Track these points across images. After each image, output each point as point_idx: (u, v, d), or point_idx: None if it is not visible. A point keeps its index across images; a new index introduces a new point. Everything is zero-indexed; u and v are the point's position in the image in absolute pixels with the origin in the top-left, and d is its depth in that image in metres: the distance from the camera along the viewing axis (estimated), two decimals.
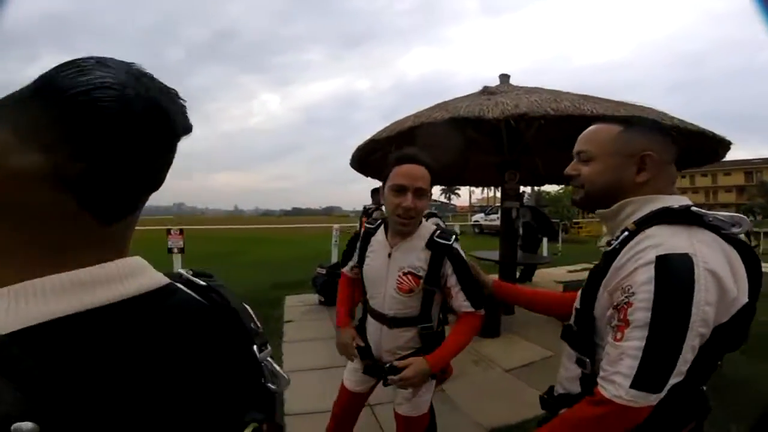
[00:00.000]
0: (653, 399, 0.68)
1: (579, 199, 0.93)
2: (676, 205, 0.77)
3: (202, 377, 0.39)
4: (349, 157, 4.75)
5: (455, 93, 4.40)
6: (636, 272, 0.71)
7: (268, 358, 0.45)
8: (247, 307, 0.48)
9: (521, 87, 3.86)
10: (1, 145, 0.33)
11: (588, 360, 0.82)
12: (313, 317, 4.28)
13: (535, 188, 13.73)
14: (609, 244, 0.83)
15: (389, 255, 1.30)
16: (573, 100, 2.71)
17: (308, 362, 3.16)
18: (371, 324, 1.37)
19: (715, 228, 0.73)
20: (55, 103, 0.33)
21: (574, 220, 18.29)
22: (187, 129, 0.41)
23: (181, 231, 6.70)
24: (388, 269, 1.29)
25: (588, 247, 12.05)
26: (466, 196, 59.55)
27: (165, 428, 0.34)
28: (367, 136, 3.93)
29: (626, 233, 0.78)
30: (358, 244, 1.46)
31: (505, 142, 4.04)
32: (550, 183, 6.84)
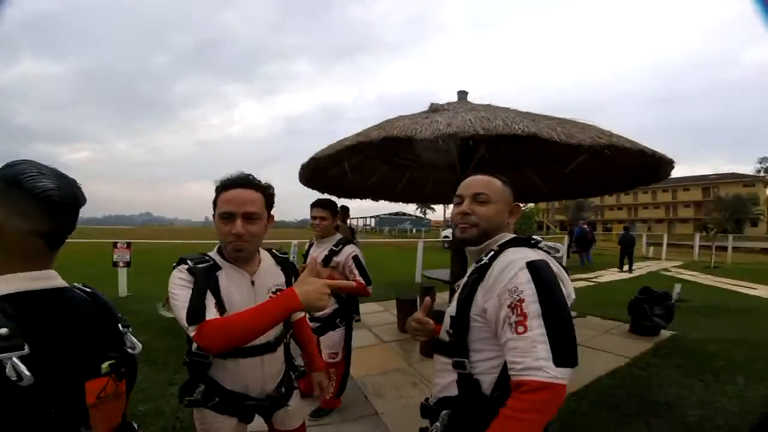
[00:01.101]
0: (571, 372, 0.82)
1: (472, 236, 1.09)
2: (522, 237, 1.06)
3: (88, 332, 0.78)
4: None
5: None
6: (516, 276, 0.90)
7: (129, 333, 0.84)
8: (114, 306, 0.87)
9: (470, 104, 3.90)
10: (4, 216, 0.69)
11: (466, 360, 0.98)
12: None
13: None
14: (477, 262, 1.05)
15: (252, 283, 1.28)
16: (508, 118, 2.72)
17: None
18: (246, 365, 1.27)
19: (546, 251, 1.01)
20: (28, 196, 0.69)
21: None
22: (84, 201, 0.79)
23: (129, 244, 6.45)
24: (255, 298, 1.25)
25: None
26: (441, 210, 60.27)
27: (69, 358, 0.72)
28: None
29: (492, 253, 1.02)
30: None
31: (457, 161, 4.08)
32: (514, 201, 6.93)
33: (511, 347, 0.86)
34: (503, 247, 1.02)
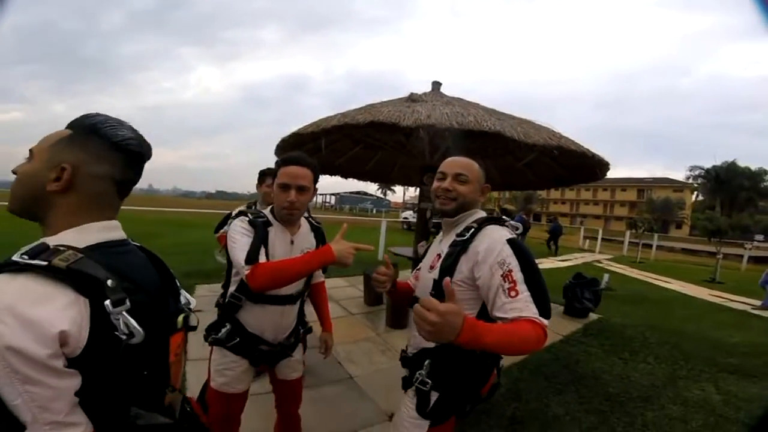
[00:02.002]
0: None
1: (451, 208, 1.29)
2: (492, 215, 1.28)
3: (164, 284, 0.80)
4: None
5: (406, 90, 4.59)
6: (502, 250, 1.10)
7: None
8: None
9: (446, 96, 4.12)
10: (82, 159, 0.69)
11: None
12: None
13: None
14: (460, 235, 1.22)
15: (291, 242, 1.53)
16: (478, 115, 2.99)
17: None
18: (269, 311, 1.51)
19: (511, 228, 1.21)
20: (109, 143, 0.71)
21: None
22: (150, 154, 0.80)
23: None
24: (291, 254, 1.49)
25: None
26: (401, 192, 60.76)
27: (159, 311, 0.74)
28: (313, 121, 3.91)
29: (473, 229, 1.19)
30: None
31: (427, 147, 4.31)
32: None
33: (508, 308, 1.04)
34: (481, 224, 1.20)
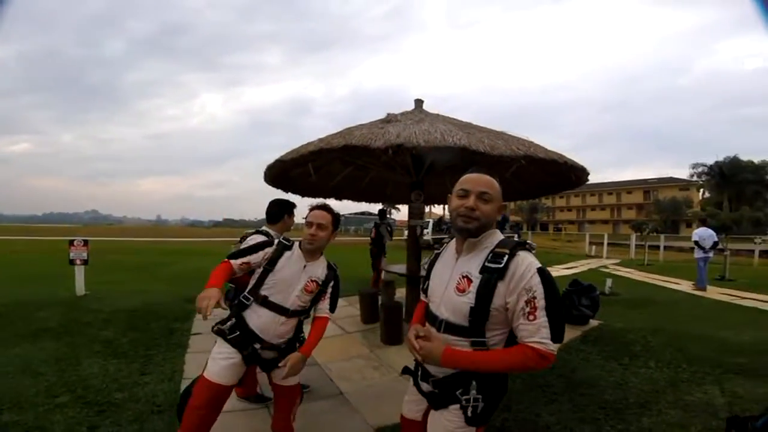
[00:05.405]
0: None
1: (474, 228, 1.29)
2: (514, 237, 1.38)
3: None
4: None
5: (410, 105, 4.71)
6: (532, 279, 1.18)
7: None
8: None
9: (423, 113, 4.22)
10: None
11: (484, 339, 1.25)
12: None
13: None
14: (493, 261, 1.25)
15: (304, 267, 1.90)
16: (446, 131, 3.08)
17: None
18: (266, 314, 1.84)
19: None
20: None
21: None
22: None
23: (86, 242, 6.28)
24: (300, 276, 1.88)
25: None
26: (405, 211, 60.69)
27: None
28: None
29: (507, 256, 1.23)
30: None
31: (411, 165, 4.40)
32: None
33: (522, 329, 1.19)
34: (513, 250, 1.24)
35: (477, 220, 1.26)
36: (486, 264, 1.24)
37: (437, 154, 3.59)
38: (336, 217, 1.96)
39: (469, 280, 1.25)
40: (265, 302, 1.83)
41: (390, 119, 3.50)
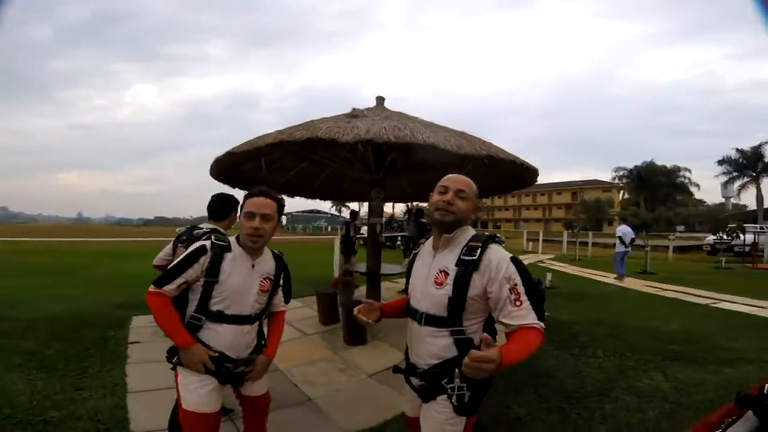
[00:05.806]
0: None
1: (450, 220, 1.38)
2: (484, 233, 1.45)
3: None
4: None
5: (363, 105, 4.56)
6: (508, 268, 1.28)
7: None
8: None
9: (386, 111, 4.16)
10: None
11: (462, 327, 1.33)
12: (163, 338, 3.89)
13: (416, 204, 14.86)
14: (467, 254, 1.33)
15: (252, 266, 1.66)
16: (415, 128, 3.05)
17: (156, 382, 2.81)
18: (228, 330, 1.60)
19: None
20: None
21: None
22: None
23: None
24: (252, 278, 1.65)
25: None
26: (356, 208, 60.28)
27: None
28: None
29: (479, 249, 1.32)
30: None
31: (372, 162, 4.30)
32: (415, 201, 7.45)
33: (514, 315, 1.26)
34: (485, 243, 1.34)
35: (453, 214, 1.37)
36: (461, 257, 1.33)
37: (401, 150, 3.54)
38: (280, 204, 1.69)
39: (446, 274, 1.34)
40: (221, 317, 1.58)
41: (356, 114, 3.38)
